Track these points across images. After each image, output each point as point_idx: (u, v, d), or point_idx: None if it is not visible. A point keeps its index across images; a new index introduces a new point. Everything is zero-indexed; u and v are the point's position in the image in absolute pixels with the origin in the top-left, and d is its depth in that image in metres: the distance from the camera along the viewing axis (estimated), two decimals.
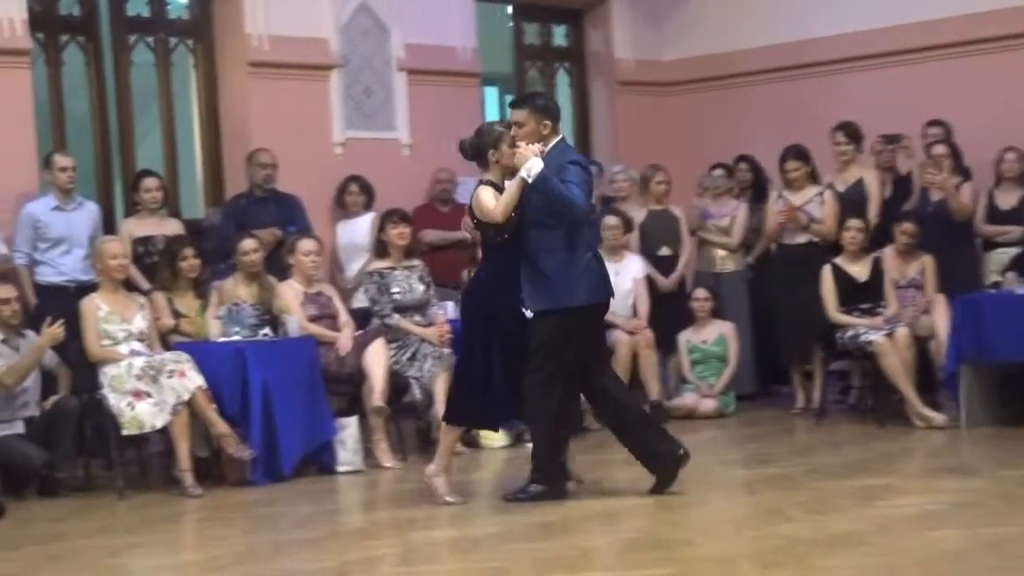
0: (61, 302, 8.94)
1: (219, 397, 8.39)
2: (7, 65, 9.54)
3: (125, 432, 8.28)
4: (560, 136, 7.64)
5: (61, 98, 10.25)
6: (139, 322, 8.59)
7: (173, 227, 9.66)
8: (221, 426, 8.31)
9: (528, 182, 7.31)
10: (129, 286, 9.00)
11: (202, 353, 8.49)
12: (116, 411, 8.25)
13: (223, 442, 8.33)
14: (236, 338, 8.68)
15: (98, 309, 8.52)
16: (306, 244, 9.31)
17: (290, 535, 7.14)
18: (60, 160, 9.43)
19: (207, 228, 10.31)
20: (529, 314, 7.53)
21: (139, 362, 8.32)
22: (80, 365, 8.51)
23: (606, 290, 7.67)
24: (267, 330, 8.80)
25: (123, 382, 8.27)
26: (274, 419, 8.43)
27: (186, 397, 8.23)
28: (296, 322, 8.89)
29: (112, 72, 10.57)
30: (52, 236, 9.27)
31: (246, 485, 8.34)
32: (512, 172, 7.41)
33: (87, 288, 8.97)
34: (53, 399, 8.46)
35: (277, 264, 9.41)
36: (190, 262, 9.00)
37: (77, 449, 8.54)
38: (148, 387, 8.25)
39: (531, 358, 7.47)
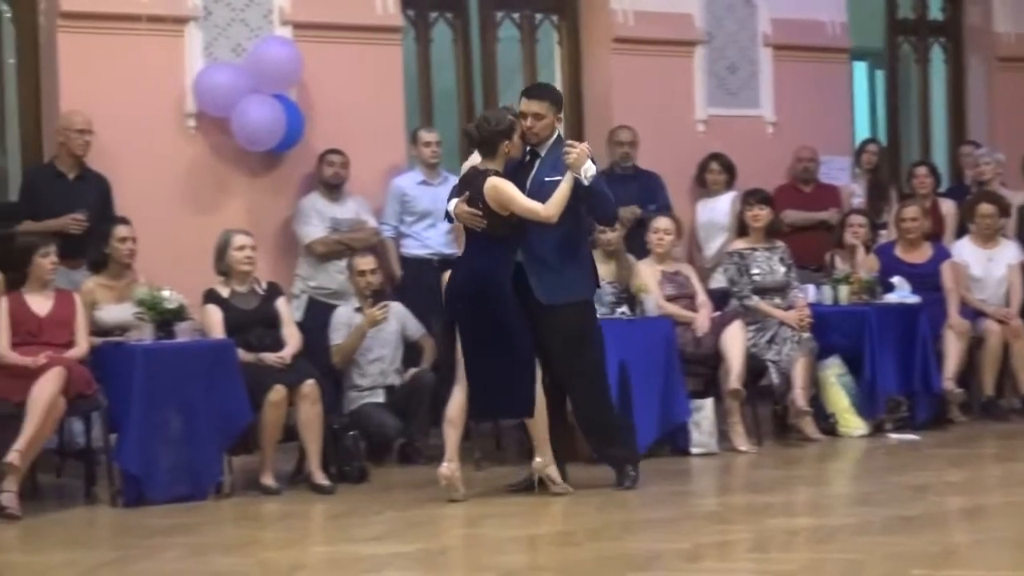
0: (425, 275, 9.35)
1: None
2: (379, 42, 9.99)
3: None
4: (559, 130, 7.69)
5: (429, 74, 10.68)
6: None
7: None
8: None
9: (584, 184, 7.31)
10: None
11: None
12: None
13: None
14: None
15: None
16: (659, 222, 9.43)
17: (642, 514, 7.27)
18: (425, 135, 9.82)
19: None
20: None
21: None
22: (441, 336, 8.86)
23: (598, 281, 7.97)
24: (624, 308, 8.95)
25: None
26: (630, 397, 8.56)
27: None
28: (654, 301, 9.01)
29: (478, 48, 10.93)
30: (418, 210, 9.67)
31: (599, 462, 8.50)
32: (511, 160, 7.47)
33: (450, 262, 9.29)
34: (412, 371, 8.82)
35: (637, 242, 9.55)
36: None
37: (435, 419, 8.89)
38: None
39: (570, 350, 7.54)
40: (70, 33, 9.15)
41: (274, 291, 8.45)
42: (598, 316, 8.73)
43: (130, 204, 8.86)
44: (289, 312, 8.52)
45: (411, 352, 8.94)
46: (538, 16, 11.12)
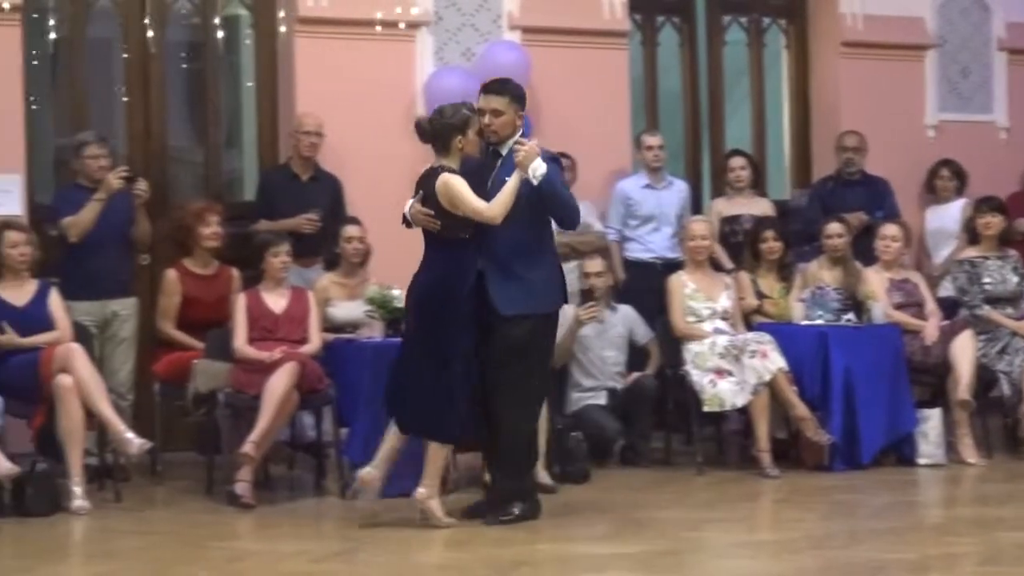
0: (648, 278, 9.35)
1: (800, 380, 8.53)
2: (607, 46, 10.06)
3: (706, 409, 8.56)
4: (522, 129, 7.25)
5: (655, 78, 10.70)
6: (724, 301, 8.86)
7: (762, 207, 9.84)
8: (801, 409, 8.44)
9: (533, 184, 6.88)
10: (716, 265, 9.30)
11: (784, 335, 8.65)
12: (698, 387, 8.55)
13: (802, 425, 8.46)
14: (819, 322, 8.77)
15: (684, 287, 8.86)
16: (887, 229, 9.30)
17: (867, 524, 7.18)
18: (649, 139, 9.83)
19: (793, 210, 10.44)
20: None
21: (722, 341, 8.59)
22: (665, 341, 8.87)
23: (565, 294, 7.44)
24: (850, 315, 8.84)
25: (706, 359, 8.56)
26: (855, 406, 8.48)
27: (767, 378, 8.41)
28: (881, 309, 8.89)
29: (705, 52, 10.92)
30: (642, 214, 9.69)
31: (823, 470, 8.43)
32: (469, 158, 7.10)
33: (673, 265, 9.33)
34: (634, 376, 8.83)
35: (863, 248, 9.42)
36: (770, 244, 9.15)
37: (657, 422, 8.93)
38: (730, 366, 8.50)
39: (505, 363, 7.03)
40: (307, 38, 9.42)
41: None
42: (822, 322, 8.71)
43: (362, 205, 9.06)
44: None
45: (636, 356, 8.95)
46: (765, 20, 11.07)
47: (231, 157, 10.27)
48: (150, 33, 9.35)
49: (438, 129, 7.07)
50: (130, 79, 9.50)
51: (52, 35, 9.32)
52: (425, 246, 7.16)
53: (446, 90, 9.50)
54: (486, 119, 7.07)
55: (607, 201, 9.79)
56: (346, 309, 8.38)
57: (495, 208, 6.87)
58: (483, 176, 7.07)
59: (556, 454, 8.23)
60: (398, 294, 8.04)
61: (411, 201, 7.15)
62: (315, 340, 8.15)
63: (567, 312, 8.78)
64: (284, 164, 9.33)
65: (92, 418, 7.63)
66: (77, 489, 7.51)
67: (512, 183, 6.89)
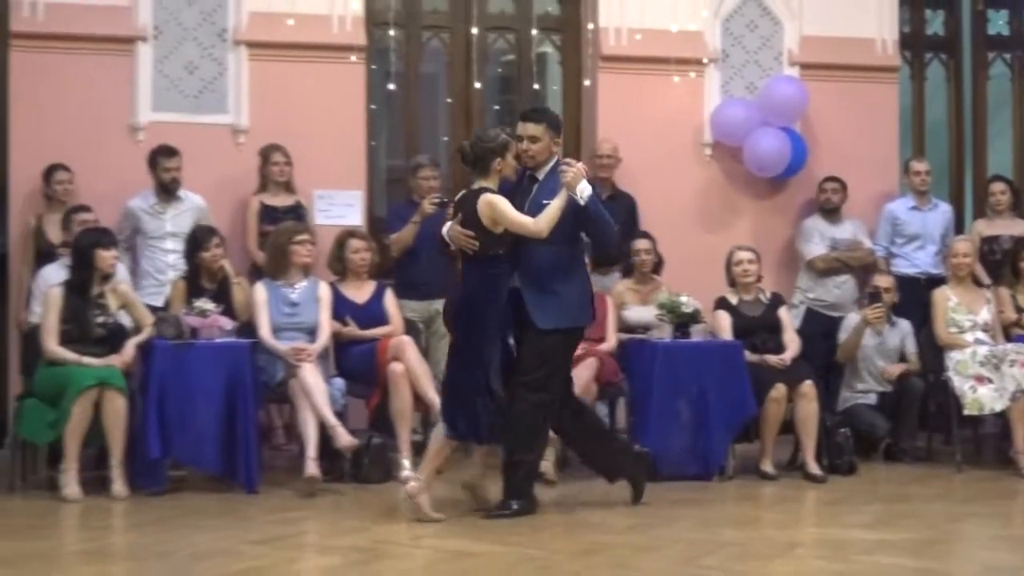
0: (913, 292, 9.27)
1: None
2: (879, 80, 10.02)
3: (966, 412, 8.45)
4: (558, 155, 6.92)
5: (923, 108, 10.60)
6: (984, 314, 8.75)
7: (1021, 228, 9.60)
8: None
9: (580, 204, 6.61)
10: (975, 280, 9.17)
11: None
12: (959, 392, 8.45)
13: None
14: None
15: (948, 300, 8.77)
16: None
17: None
18: (916, 165, 9.76)
19: None
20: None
21: (983, 350, 8.48)
22: (928, 348, 8.80)
23: (594, 310, 7.19)
24: None
25: (967, 367, 8.47)
26: None
27: None
28: None
29: (969, 85, 10.75)
30: (908, 233, 9.62)
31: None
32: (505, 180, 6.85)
33: (936, 280, 9.25)
34: (901, 367, 8.72)
35: None
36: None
37: (920, 423, 8.85)
38: (990, 373, 8.39)
39: (532, 375, 6.80)
40: (609, 73, 9.66)
41: (777, 300, 8.63)
42: None
43: (654, 220, 9.26)
44: (790, 319, 8.67)
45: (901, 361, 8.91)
46: None
47: None
48: (473, 68, 9.72)
49: (479, 153, 6.81)
50: (454, 109, 9.89)
51: (391, 71, 9.79)
52: (462, 265, 6.92)
53: (730, 119, 9.64)
54: (523, 144, 6.88)
55: (875, 221, 9.74)
56: (639, 312, 8.57)
57: (541, 223, 6.65)
58: (519, 200, 6.84)
59: (825, 447, 8.26)
60: (686, 300, 8.20)
61: (450, 223, 6.91)
62: (611, 339, 8.36)
63: (851, 317, 8.84)
64: None
65: (419, 401, 8.00)
66: (405, 461, 7.87)
67: (558, 201, 6.67)
